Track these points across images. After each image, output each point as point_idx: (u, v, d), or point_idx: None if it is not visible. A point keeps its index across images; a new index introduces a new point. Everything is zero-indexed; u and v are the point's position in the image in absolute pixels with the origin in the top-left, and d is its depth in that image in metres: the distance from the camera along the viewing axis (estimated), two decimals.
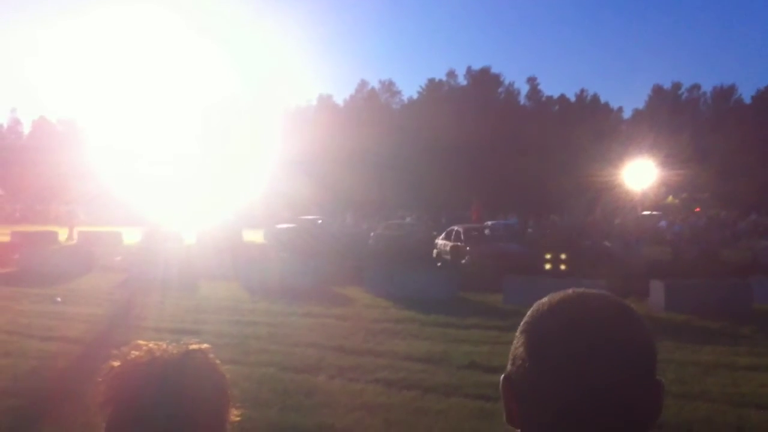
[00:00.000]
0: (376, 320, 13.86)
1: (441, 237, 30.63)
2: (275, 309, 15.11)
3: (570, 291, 1.08)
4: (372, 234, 35.95)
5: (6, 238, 32.60)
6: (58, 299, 15.92)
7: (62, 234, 38.09)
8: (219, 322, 13.23)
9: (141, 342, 1.26)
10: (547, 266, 20.13)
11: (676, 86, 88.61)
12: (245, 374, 8.49)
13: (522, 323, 1.09)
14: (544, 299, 1.09)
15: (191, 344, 1.28)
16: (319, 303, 15.88)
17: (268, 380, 8.56)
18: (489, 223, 37.45)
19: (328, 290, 18.13)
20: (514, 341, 1.08)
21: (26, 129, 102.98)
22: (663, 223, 46.26)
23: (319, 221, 39.03)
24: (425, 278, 18.45)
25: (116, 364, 1.22)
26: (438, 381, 8.85)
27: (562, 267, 19.55)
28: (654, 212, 52.35)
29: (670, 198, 64.92)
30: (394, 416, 7.46)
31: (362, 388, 8.50)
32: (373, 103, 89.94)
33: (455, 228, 30.17)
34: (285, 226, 35.70)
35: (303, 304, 15.66)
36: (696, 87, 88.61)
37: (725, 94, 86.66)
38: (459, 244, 27.88)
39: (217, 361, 1.29)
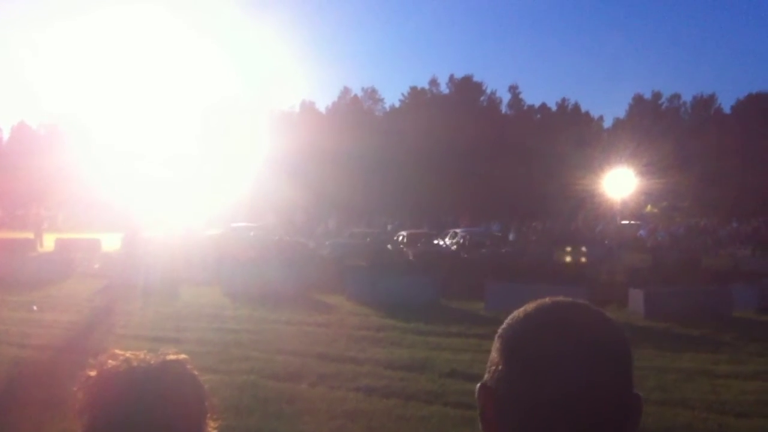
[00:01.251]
0: (357, 328, 13.83)
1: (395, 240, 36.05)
2: (257, 316, 15.04)
3: (547, 299, 1.08)
4: (328, 243, 35.33)
5: None
6: (35, 307, 15.76)
7: (44, 240, 37.73)
8: (200, 330, 13.14)
9: (118, 351, 1.24)
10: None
11: (657, 95, 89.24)
12: (226, 382, 8.45)
13: (499, 329, 1.09)
14: (522, 307, 1.09)
15: (169, 354, 1.26)
16: (301, 310, 15.84)
17: (250, 388, 8.52)
18: (459, 230, 38.56)
19: (309, 297, 18.08)
20: (492, 348, 1.08)
21: (6, 134, 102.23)
22: (642, 232, 46.61)
23: (251, 229, 37.55)
24: (407, 285, 18.44)
25: (93, 373, 1.20)
26: (419, 388, 8.84)
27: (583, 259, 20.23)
28: (633, 221, 52.70)
29: (649, 207, 65.40)
30: (376, 424, 7.45)
31: (344, 395, 8.47)
32: (356, 110, 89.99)
33: (402, 233, 36.77)
34: (211, 232, 35.46)
35: (285, 311, 15.60)
36: (676, 96, 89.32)
37: (705, 103, 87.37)
38: (401, 246, 33.25)
39: (195, 372, 1.27)
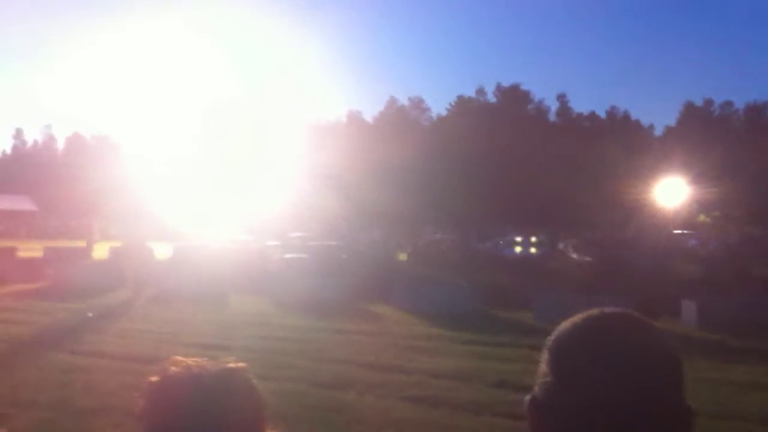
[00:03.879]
0: (404, 337, 13.84)
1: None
2: (304, 324, 15.13)
3: (594, 310, 1.08)
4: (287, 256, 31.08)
5: (39, 254, 33.00)
6: (90, 314, 16.09)
7: (95, 249, 38.41)
8: (248, 337, 13.27)
9: (179, 358, 1.26)
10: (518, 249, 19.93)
11: (708, 103, 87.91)
12: (274, 390, 8.49)
13: (546, 343, 1.09)
14: (569, 319, 1.09)
15: (229, 362, 1.29)
16: (348, 319, 15.90)
17: (298, 396, 8.54)
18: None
19: (356, 306, 18.14)
20: (541, 362, 1.08)
21: (60, 145, 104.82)
22: (694, 242, 45.82)
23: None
24: (455, 294, 18.40)
25: (155, 378, 1.23)
26: (468, 399, 8.78)
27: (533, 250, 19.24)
28: (685, 231, 51.89)
29: (702, 216, 64.24)
30: None
31: (392, 405, 8.47)
32: (403, 119, 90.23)
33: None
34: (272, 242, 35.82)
35: (332, 319, 15.68)
36: (728, 103, 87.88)
37: (758, 110, 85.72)
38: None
39: (255, 380, 1.30)
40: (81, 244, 39.43)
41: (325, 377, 9.85)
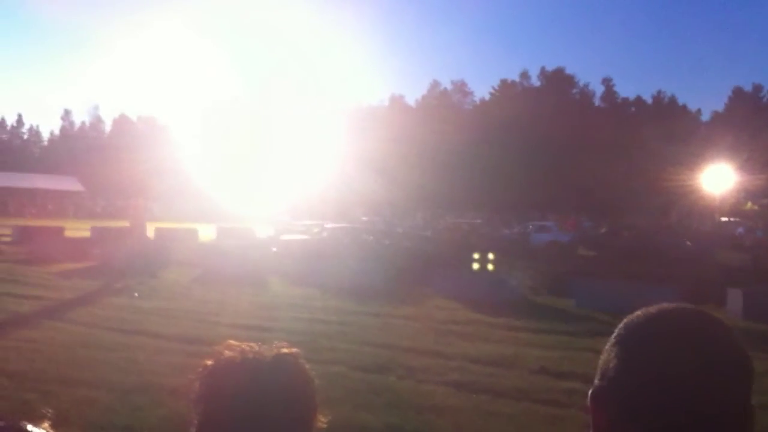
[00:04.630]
0: (445, 322, 13.84)
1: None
2: (345, 308, 15.20)
3: (665, 305, 1.06)
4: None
5: (86, 233, 33.55)
6: (136, 294, 16.34)
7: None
8: (290, 320, 13.38)
9: (233, 342, 1.28)
10: (475, 266, 18.53)
11: (757, 88, 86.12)
12: (315, 372, 8.50)
13: (615, 335, 1.06)
14: (639, 312, 1.06)
15: (283, 347, 1.30)
16: (389, 303, 15.92)
17: (339, 379, 8.57)
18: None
19: (397, 291, 18.13)
20: (605, 354, 1.05)
21: (108, 126, 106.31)
22: (741, 230, 45.05)
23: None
24: (494, 280, 18.31)
25: (210, 362, 1.25)
26: (508, 385, 8.77)
27: (490, 267, 18.14)
28: (732, 218, 51.01)
29: (749, 204, 63.06)
30: (464, 419, 7.44)
31: (432, 389, 8.49)
32: (445, 103, 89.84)
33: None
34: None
35: (373, 303, 15.71)
36: None
37: None
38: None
39: (307, 366, 1.32)
40: (127, 224, 39.88)
41: (366, 360, 9.89)
